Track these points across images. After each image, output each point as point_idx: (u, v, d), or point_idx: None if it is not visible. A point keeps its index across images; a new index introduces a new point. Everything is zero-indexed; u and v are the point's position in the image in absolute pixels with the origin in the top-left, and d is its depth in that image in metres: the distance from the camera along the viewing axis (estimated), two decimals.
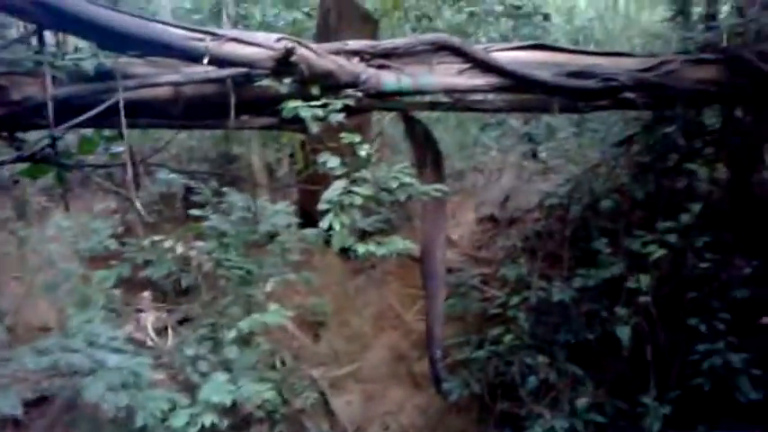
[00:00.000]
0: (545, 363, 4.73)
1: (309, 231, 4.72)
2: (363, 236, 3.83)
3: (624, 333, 4.36)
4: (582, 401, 4.59)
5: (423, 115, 6.06)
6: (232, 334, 4.29)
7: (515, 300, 4.85)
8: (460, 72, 3.80)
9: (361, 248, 3.44)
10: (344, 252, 6.38)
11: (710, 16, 5.03)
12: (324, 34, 5.47)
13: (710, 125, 4.84)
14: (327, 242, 6.41)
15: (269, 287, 5.00)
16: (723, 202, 4.74)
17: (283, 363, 5.85)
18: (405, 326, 5.97)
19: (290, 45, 3.15)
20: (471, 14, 5.28)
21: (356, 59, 3.47)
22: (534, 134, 5.00)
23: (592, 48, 4.88)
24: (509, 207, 5.82)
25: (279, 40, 3.24)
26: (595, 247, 4.57)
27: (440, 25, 5.84)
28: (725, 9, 5.11)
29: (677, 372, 4.37)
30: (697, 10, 5.27)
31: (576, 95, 3.93)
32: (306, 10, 6.10)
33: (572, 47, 4.04)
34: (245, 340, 4.56)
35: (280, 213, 4.60)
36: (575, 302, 4.68)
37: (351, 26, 5.24)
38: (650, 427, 4.30)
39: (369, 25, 5.37)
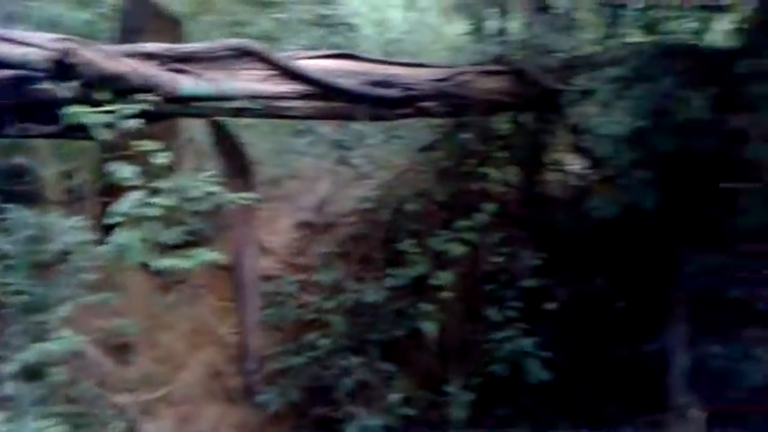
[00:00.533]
0: (359, 363, 4.85)
1: (103, 248, 4.34)
2: (169, 249, 3.61)
3: (429, 327, 4.61)
4: (394, 397, 4.78)
5: (234, 121, 5.92)
6: (12, 367, 3.80)
7: (330, 304, 4.91)
8: (265, 79, 3.77)
9: (163, 263, 3.24)
10: (150, 268, 6.03)
11: (502, 31, 5.55)
12: (124, 37, 5.09)
13: (502, 131, 5.29)
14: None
15: (64, 312, 4.54)
16: (514, 201, 5.23)
17: (86, 392, 5.35)
18: (220, 341, 5.73)
19: (68, 46, 2.89)
20: (279, 21, 5.26)
21: (153, 63, 3.28)
22: (344, 141, 5.13)
23: (404, 59, 5.11)
24: (325, 213, 5.88)
25: (57, 40, 2.96)
26: (403, 247, 4.79)
27: (253, 31, 5.73)
28: (515, 25, 5.63)
29: (477, 360, 4.73)
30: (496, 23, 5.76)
31: (379, 104, 4.09)
32: (102, 11, 5.64)
33: (375, 56, 4.20)
34: (32, 373, 4.07)
35: (72, 230, 4.17)
36: (386, 302, 4.86)
37: (153, 29, 4.93)
38: (456, 414, 4.61)
39: (174, 29, 5.11)
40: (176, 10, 5.64)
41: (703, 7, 4.60)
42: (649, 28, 4.42)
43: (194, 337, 5.84)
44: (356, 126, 4.61)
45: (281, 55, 3.83)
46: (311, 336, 5.02)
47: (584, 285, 4.66)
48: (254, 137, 6.65)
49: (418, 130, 5.11)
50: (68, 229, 4.20)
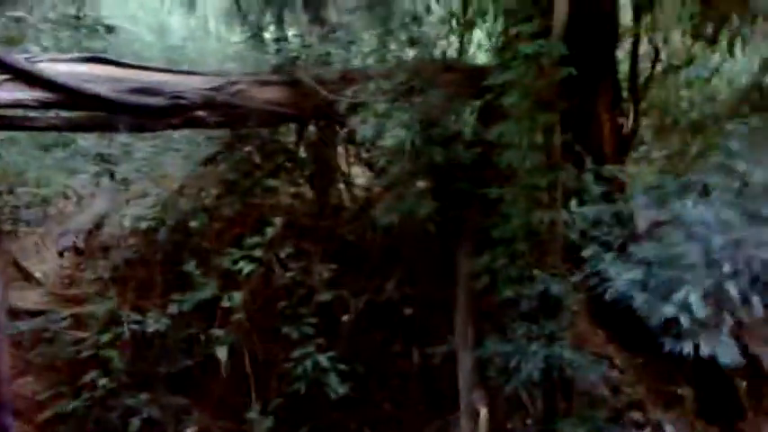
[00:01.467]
0: (147, 400, 4.42)
1: None
2: None
3: (222, 353, 4.34)
4: (189, 431, 4.44)
5: None
6: None
7: (106, 338, 4.42)
8: None
9: None
10: None
11: (280, 39, 5.40)
12: None
13: (288, 144, 5.15)
14: None
15: None
16: (303, 214, 5.12)
17: None
18: None
19: None
20: (18, 21, 4.56)
21: None
22: (108, 154, 4.62)
23: (172, 66, 4.72)
24: (100, 235, 5.30)
25: None
26: (187, 270, 4.45)
27: None
28: (291, 35, 5.53)
29: (276, 381, 4.55)
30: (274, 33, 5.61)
31: (141, 113, 3.72)
32: None
33: (135, 62, 3.81)
34: None
35: None
36: (172, 330, 4.48)
37: None
38: None
39: None
40: None
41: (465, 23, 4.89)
42: (415, 42, 4.56)
43: None
44: (122, 138, 4.15)
45: (16, 57, 3.30)
46: (90, 375, 4.49)
47: (375, 294, 4.67)
48: (15, 153, 5.83)
49: (198, 142, 4.78)
50: None
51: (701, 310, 2.38)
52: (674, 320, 2.47)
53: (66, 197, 5.80)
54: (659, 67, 5.04)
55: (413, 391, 4.65)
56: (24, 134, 5.40)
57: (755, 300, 2.37)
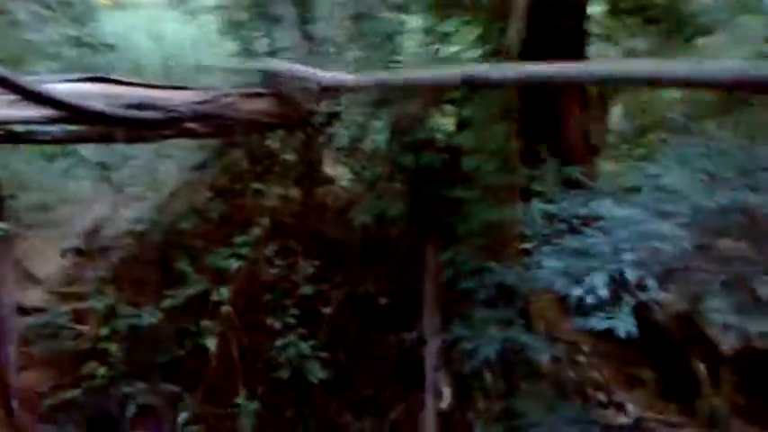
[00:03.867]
0: (143, 388, 4.80)
1: None
2: None
3: (211, 343, 4.73)
4: (182, 416, 4.82)
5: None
6: None
7: (105, 331, 4.80)
8: (11, 103, 3.62)
9: None
10: None
11: (271, 53, 5.80)
12: None
13: (273, 149, 5.55)
14: None
15: None
16: (288, 214, 5.52)
17: None
18: None
19: None
20: (28, 42, 4.94)
21: None
22: (107, 162, 5.02)
23: (165, 82, 5.10)
24: (97, 238, 5.68)
25: None
26: (180, 267, 4.85)
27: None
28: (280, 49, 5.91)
29: (262, 368, 4.94)
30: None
31: (138, 126, 4.12)
32: None
33: (132, 80, 4.20)
34: None
35: None
36: (165, 323, 4.87)
37: None
38: (244, 424, 4.78)
39: None
40: None
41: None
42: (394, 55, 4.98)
43: None
44: (120, 147, 4.55)
45: (25, 79, 3.70)
46: (89, 366, 4.87)
47: (354, 287, 5.08)
48: (22, 162, 6.21)
49: (188, 149, 5.19)
50: None
51: (603, 292, 2.81)
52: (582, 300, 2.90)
53: (68, 203, 6.17)
54: None
55: (388, 374, 5.05)
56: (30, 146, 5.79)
57: (651, 283, 2.80)
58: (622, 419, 4.34)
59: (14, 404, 4.03)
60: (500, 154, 4.19)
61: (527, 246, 3.55)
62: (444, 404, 4.14)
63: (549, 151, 4.39)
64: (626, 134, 6.71)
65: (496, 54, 4.01)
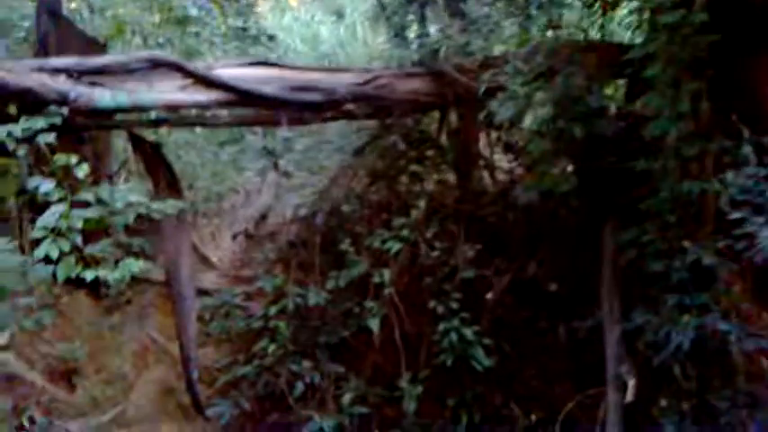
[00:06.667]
0: (309, 367, 4.89)
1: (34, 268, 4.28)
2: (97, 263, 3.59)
3: (374, 323, 4.69)
4: (346, 397, 4.84)
5: (171, 139, 5.91)
6: None
7: (274, 310, 4.95)
8: (182, 88, 3.81)
9: (89, 275, 3.24)
10: (95, 290, 5.98)
11: (423, 35, 5.73)
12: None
13: (430, 132, 5.43)
14: (74, 282, 5.98)
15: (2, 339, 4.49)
16: (447, 197, 5.37)
17: (32, 420, 5.25)
18: (170, 358, 5.70)
19: None
20: (197, 35, 5.31)
21: (62, 77, 3.30)
22: (272, 148, 5.18)
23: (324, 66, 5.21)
24: (266, 224, 5.93)
25: None
26: (342, 249, 4.87)
27: (176, 49, 5.76)
28: (433, 30, 5.82)
29: (424, 353, 4.83)
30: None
31: (301, 108, 4.17)
32: (21, 35, 5.58)
33: (295, 64, 4.28)
34: None
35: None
36: (330, 304, 4.93)
37: (73, 50, 4.93)
38: (407, 408, 4.69)
39: (94, 49, 5.10)
40: (98, 33, 5.66)
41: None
42: (555, 26, 4.63)
43: (143, 356, 5.80)
44: (283, 132, 4.68)
45: (196, 64, 3.88)
46: (260, 344, 5.06)
47: (518, 272, 4.79)
48: (194, 155, 6.70)
49: (347, 134, 5.22)
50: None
51: None
52: None
53: (237, 192, 6.54)
54: None
55: (558, 366, 4.71)
56: (201, 136, 6.20)
57: None
58: None
59: (194, 376, 4.25)
60: (690, 119, 3.68)
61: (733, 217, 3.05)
62: (629, 397, 3.73)
63: (740, 120, 3.85)
64: None
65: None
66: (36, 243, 3.13)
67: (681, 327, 3.59)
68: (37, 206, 3.82)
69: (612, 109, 4.02)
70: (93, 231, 3.33)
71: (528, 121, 4.05)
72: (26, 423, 5.21)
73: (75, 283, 5.94)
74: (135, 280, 6.15)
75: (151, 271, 5.04)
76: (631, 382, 3.80)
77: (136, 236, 4.63)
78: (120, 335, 5.81)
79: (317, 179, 5.69)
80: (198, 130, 6.34)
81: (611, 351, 4.02)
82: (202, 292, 5.71)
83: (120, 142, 5.60)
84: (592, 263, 4.34)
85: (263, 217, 5.96)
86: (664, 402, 3.79)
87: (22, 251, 4.48)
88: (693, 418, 3.78)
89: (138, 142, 3.91)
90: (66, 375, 5.56)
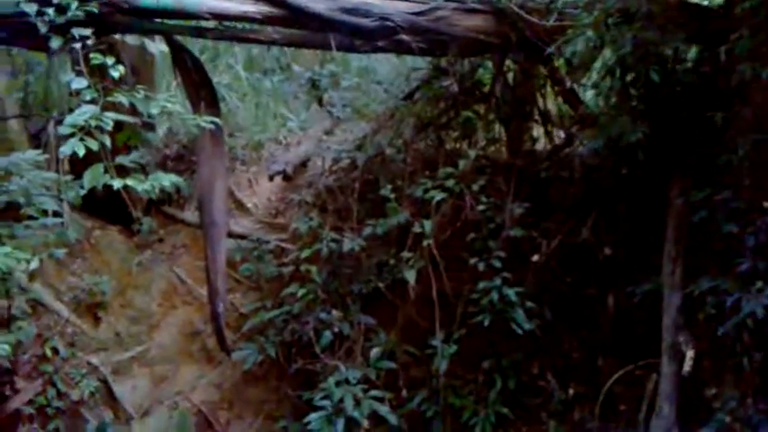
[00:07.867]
0: (339, 317, 4.67)
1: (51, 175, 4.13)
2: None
3: (411, 275, 4.43)
4: (374, 351, 4.61)
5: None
6: None
7: (307, 253, 4.74)
8: None
9: (116, 183, 3.05)
10: (127, 226, 5.87)
11: None
12: None
13: (485, 80, 5.10)
14: (107, 217, 5.89)
15: (33, 264, 4.37)
16: (497, 150, 5.05)
17: (56, 351, 5.19)
18: (197, 300, 5.57)
19: None
20: None
21: None
22: (318, 80, 4.93)
23: None
24: (305, 171, 5.70)
25: None
26: (382, 194, 4.61)
27: None
28: None
29: (461, 311, 4.55)
30: None
31: (352, 33, 3.90)
32: None
33: None
34: None
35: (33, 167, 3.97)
36: (365, 252, 4.68)
37: None
38: (438, 367, 4.43)
39: None
40: None
41: None
42: None
43: (170, 296, 5.66)
44: (330, 66, 4.42)
45: None
46: (289, 289, 4.86)
47: (568, 235, 4.46)
48: (237, 101, 6.51)
49: (394, 77, 4.92)
50: (29, 166, 4.01)
51: None
52: None
53: (278, 143, 6.33)
54: None
55: (603, 338, 4.37)
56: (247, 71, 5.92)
57: None
58: None
59: (220, 309, 4.05)
60: None
61: None
62: (686, 369, 3.39)
63: None
64: None
65: None
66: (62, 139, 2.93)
67: (753, 294, 3.24)
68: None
69: (692, 54, 3.64)
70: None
71: (598, 62, 3.69)
72: (49, 353, 5.16)
73: (108, 216, 5.94)
74: (168, 218, 6.11)
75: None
76: (689, 353, 3.45)
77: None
78: (150, 273, 5.70)
79: (359, 128, 5.44)
80: (242, 72, 6.15)
81: (668, 319, 3.67)
82: (236, 236, 5.54)
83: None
84: (654, 225, 3.98)
85: (303, 164, 5.73)
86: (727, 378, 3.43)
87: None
88: (754, 400, 3.44)
89: (178, 52, 3.69)
90: (92, 309, 5.47)
